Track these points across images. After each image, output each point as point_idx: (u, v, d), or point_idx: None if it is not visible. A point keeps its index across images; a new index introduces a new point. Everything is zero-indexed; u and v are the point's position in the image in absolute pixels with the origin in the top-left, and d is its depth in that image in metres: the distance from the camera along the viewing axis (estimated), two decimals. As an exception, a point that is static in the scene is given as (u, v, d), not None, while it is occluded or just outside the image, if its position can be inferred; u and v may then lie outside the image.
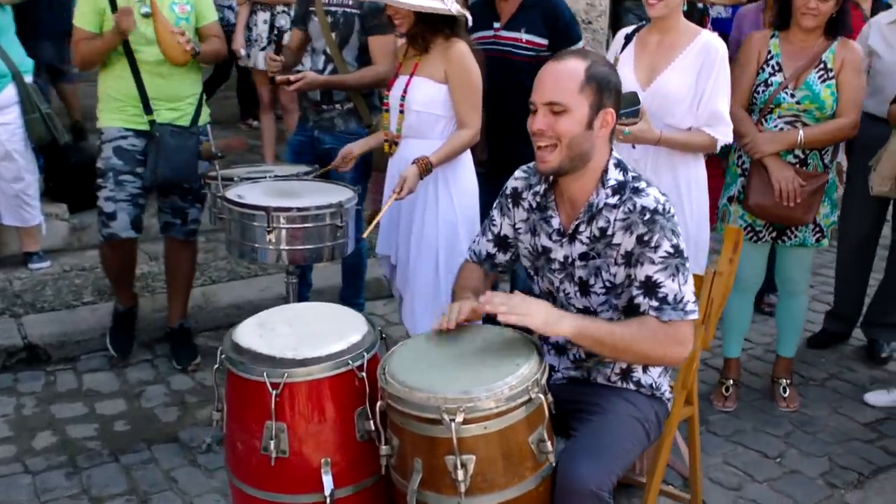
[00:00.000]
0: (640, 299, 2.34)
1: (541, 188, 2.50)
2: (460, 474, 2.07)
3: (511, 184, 2.63)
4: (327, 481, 2.26)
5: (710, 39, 3.35)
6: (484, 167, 3.78)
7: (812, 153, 3.71)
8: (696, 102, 3.32)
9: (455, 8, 3.34)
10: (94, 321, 4.60)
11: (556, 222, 2.48)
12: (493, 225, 2.67)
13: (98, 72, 4.11)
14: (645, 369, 2.55)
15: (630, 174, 2.42)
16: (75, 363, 4.40)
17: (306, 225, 3.22)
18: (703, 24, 4.30)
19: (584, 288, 2.46)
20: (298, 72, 4.08)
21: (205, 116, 4.22)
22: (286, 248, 3.24)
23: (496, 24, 4.03)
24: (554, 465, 2.21)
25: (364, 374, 2.29)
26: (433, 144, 3.43)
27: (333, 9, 4.11)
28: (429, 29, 3.42)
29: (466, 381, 2.12)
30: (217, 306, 4.92)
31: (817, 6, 3.55)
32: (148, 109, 3.99)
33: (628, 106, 3.14)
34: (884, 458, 3.70)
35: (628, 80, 3.33)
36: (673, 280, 2.31)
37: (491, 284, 2.78)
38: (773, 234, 3.85)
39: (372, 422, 2.27)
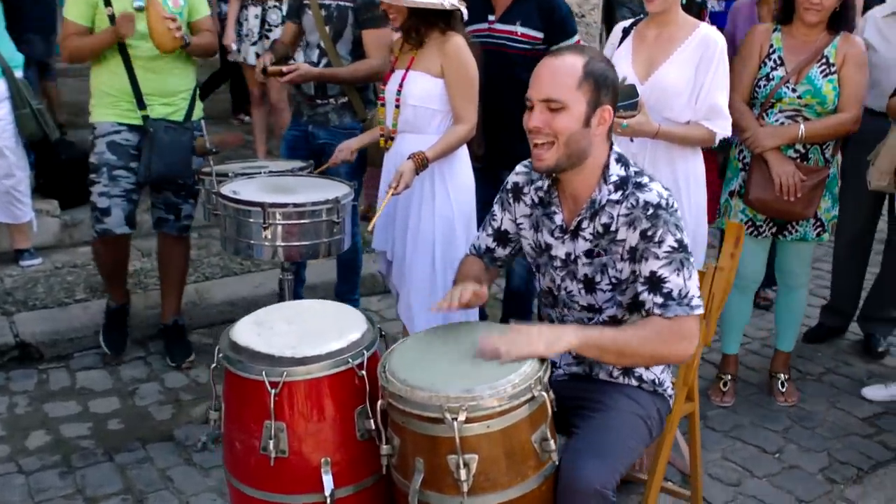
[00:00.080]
0: (644, 295, 2.31)
1: (543, 184, 2.48)
2: (463, 474, 2.04)
3: (512, 179, 2.60)
4: (327, 481, 2.23)
5: (708, 32, 3.33)
6: (481, 162, 3.75)
7: (813, 148, 3.70)
8: (695, 96, 3.29)
9: (448, 2, 3.30)
10: (87, 318, 4.56)
11: (558, 219, 2.45)
12: (494, 219, 2.65)
13: (90, 67, 4.06)
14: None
15: (632, 169, 2.39)
16: (68, 361, 4.37)
17: (302, 221, 3.19)
18: (701, 18, 4.28)
19: (590, 285, 2.44)
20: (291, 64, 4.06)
21: (198, 111, 4.18)
22: (282, 244, 3.21)
23: (491, 17, 4.00)
24: (557, 463, 2.19)
25: (364, 372, 2.26)
26: (429, 139, 3.39)
27: (327, 2, 4.07)
28: (423, 23, 3.39)
29: (469, 380, 2.09)
30: (211, 303, 4.88)
31: (820, 1, 3.53)
32: (141, 104, 3.95)
33: (626, 99, 3.12)
34: (883, 453, 3.69)
35: (627, 73, 3.31)
36: (678, 275, 2.28)
37: (493, 278, 2.75)
38: (774, 230, 3.83)
39: (372, 421, 2.24)
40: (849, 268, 4.66)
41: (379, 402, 2.19)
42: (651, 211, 2.29)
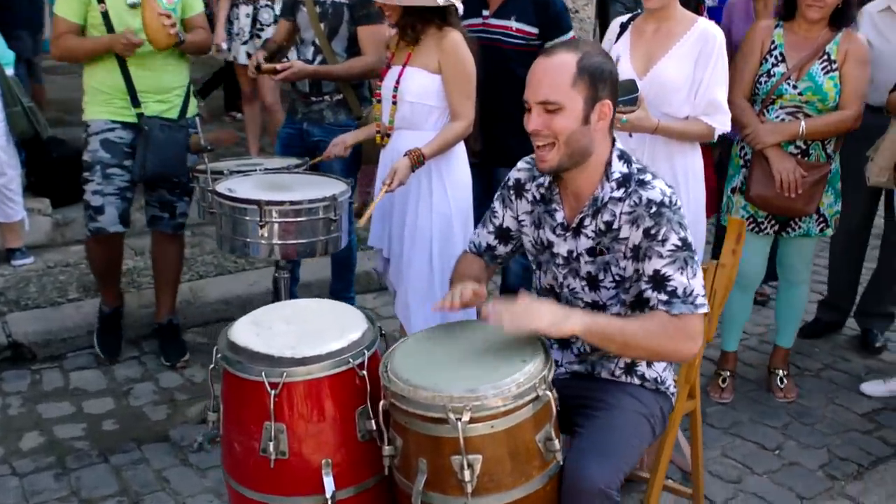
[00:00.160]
0: (649, 293, 2.29)
1: (545, 180, 2.45)
2: (467, 475, 2.02)
3: (514, 175, 2.57)
4: (328, 482, 2.20)
5: (707, 27, 3.30)
6: (478, 158, 3.72)
7: (814, 144, 3.68)
8: (694, 91, 3.27)
9: None
10: (80, 318, 4.52)
11: (559, 216, 2.42)
12: (495, 216, 2.61)
13: (82, 64, 4.01)
14: (649, 363, 2.51)
15: (635, 165, 2.36)
16: (61, 361, 4.32)
17: (299, 219, 3.16)
18: (699, 13, 4.26)
19: (594, 283, 2.41)
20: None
21: (192, 108, 4.15)
22: (279, 242, 3.18)
23: (485, 12, 3.97)
24: (561, 463, 2.16)
25: (365, 372, 2.23)
26: (426, 136, 3.37)
27: (322, -1, 4.04)
28: (418, 20, 3.36)
29: (472, 379, 2.07)
30: (205, 301, 4.84)
31: None
32: (136, 102, 3.91)
33: (626, 94, 3.09)
34: (882, 449, 3.68)
35: (625, 68, 3.29)
36: (682, 273, 2.26)
37: (490, 276, 2.72)
38: (776, 227, 3.81)
39: (374, 421, 2.21)
40: (845, 263, 4.65)
41: (381, 403, 2.16)
42: (654, 209, 2.26)
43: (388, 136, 3.53)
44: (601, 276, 2.40)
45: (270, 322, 2.37)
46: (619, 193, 2.32)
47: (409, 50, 3.43)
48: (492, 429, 2.03)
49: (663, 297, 2.26)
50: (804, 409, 3.99)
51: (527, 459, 2.09)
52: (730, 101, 3.37)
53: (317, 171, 3.78)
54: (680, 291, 2.25)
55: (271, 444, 2.18)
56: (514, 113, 3.87)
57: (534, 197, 2.50)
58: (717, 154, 4.56)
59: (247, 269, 5.23)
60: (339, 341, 2.25)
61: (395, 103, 3.45)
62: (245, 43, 6.27)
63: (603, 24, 8.00)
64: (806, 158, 3.67)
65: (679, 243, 2.26)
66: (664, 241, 2.25)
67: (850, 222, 4.41)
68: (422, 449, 2.10)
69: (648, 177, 2.33)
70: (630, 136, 3.28)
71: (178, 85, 4.06)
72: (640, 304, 2.35)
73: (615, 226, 2.32)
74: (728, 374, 4.11)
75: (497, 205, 2.61)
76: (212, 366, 2.31)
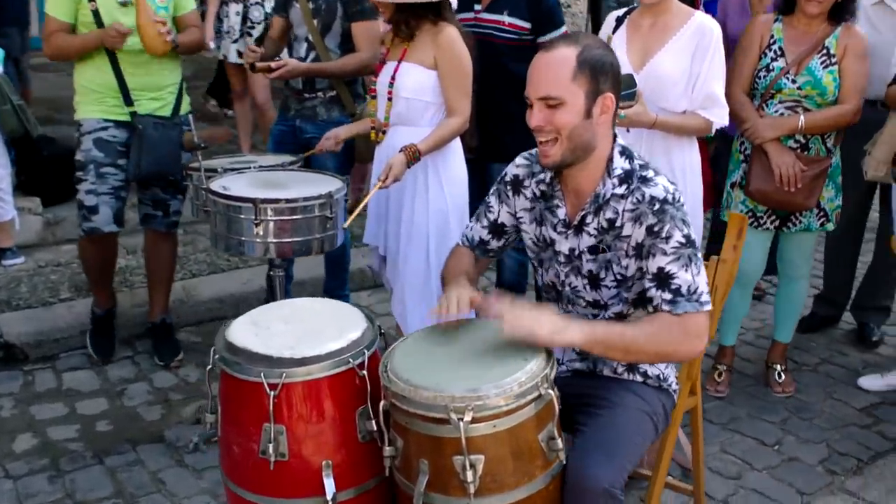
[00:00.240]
0: (652, 292, 2.26)
1: (546, 176, 2.42)
2: (469, 475, 1.99)
3: (512, 171, 2.54)
4: (329, 484, 2.18)
5: (704, 21, 3.28)
6: (474, 153, 3.69)
7: (813, 138, 3.67)
8: (691, 85, 3.26)
9: None
10: (72, 318, 4.48)
11: (561, 213, 2.39)
12: (490, 211, 2.58)
13: (73, 63, 3.97)
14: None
15: (636, 162, 2.34)
16: (54, 362, 4.28)
17: (295, 217, 3.12)
18: (695, 6, 4.24)
19: (595, 281, 2.39)
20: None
21: (185, 106, 4.11)
22: (274, 240, 3.15)
23: (477, 7, 3.95)
24: (564, 462, 2.14)
25: (365, 372, 2.21)
26: (422, 132, 3.34)
27: (315, -5, 4.00)
28: (412, 16, 3.34)
29: (474, 379, 2.04)
30: (198, 300, 4.81)
31: None
32: (128, 100, 3.88)
33: (624, 89, 3.05)
34: (882, 444, 3.67)
35: (621, 63, 3.25)
36: (686, 270, 2.23)
37: (482, 270, 2.70)
38: (776, 223, 3.80)
39: (374, 422, 2.19)
40: (841, 257, 4.64)
41: (382, 403, 2.13)
42: (657, 206, 2.24)
43: (384, 132, 3.50)
44: (602, 275, 2.37)
45: (269, 322, 2.34)
46: (620, 190, 2.29)
47: (405, 45, 3.41)
48: (494, 428, 2.01)
49: (667, 295, 2.24)
50: (802, 404, 3.98)
51: (529, 459, 2.07)
52: (729, 96, 3.35)
53: (311, 169, 3.74)
54: (684, 289, 2.23)
55: (271, 446, 2.15)
56: (506, 108, 3.88)
57: (534, 193, 2.47)
58: (713, 148, 4.54)
59: (240, 267, 5.19)
60: (339, 341, 2.23)
61: (390, 99, 3.42)
62: (235, 41, 6.21)
63: (595, 19, 8.00)
64: (806, 153, 3.66)
65: (683, 240, 2.24)
66: (668, 238, 2.23)
67: (846, 216, 4.40)
68: (423, 449, 2.07)
69: (651, 173, 2.30)
70: (628, 131, 3.26)
71: (170, 82, 4.03)
72: (642, 303, 2.33)
73: (618, 223, 2.29)
74: (725, 367, 4.11)
75: (493, 199, 2.58)
76: (209, 366, 2.29)
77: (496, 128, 3.92)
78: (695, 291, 2.23)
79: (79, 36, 3.85)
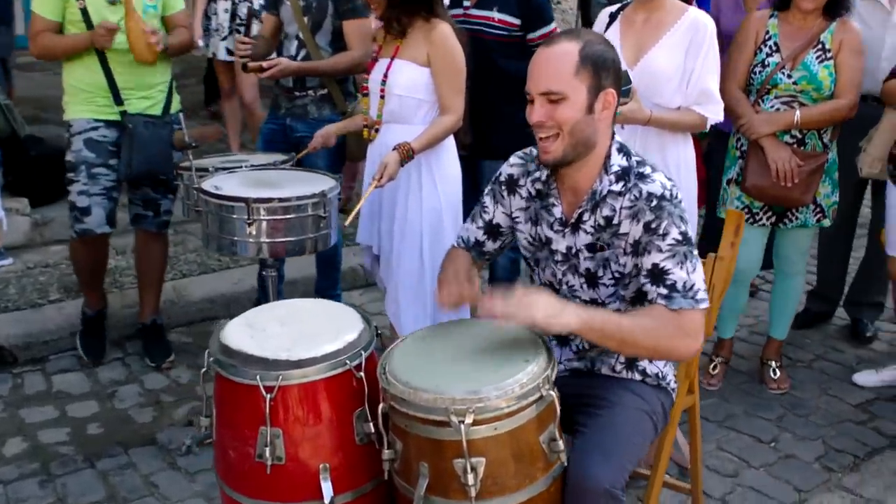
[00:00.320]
0: (647, 287, 2.24)
1: (542, 175, 2.39)
2: (470, 478, 1.97)
3: (506, 170, 2.51)
4: (326, 488, 2.14)
5: (698, 16, 3.27)
6: (468, 151, 3.66)
7: (810, 133, 3.65)
8: (686, 81, 3.24)
9: None
10: (62, 320, 4.43)
11: (557, 211, 2.37)
12: (485, 212, 2.55)
13: (61, 62, 3.92)
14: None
15: (634, 158, 2.31)
16: (43, 364, 4.23)
17: (288, 216, 3.08)
18: (688, 1, 4.23)
19: (592, 280, 2.36)
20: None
21: (176, 104, 4.08)
22: (267, 240, 3.11)
23: (466, 3, 3.92)
24: (565, 464, 2.11)
25: (362, 374, 2.17)
26: (415, 130, 3.31)
27: (306, -9, 3.96)
28: (404, 12, 3.30)
29: (474, 380, 2.01)
30: (189, 300, 4.77)
31: None
32: (118, 100, 3.83)
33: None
34: (878, 440, 3.67)
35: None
36: (681, 268, 2.21)
37: (479, 271, 2.65)
38: (773, 219, 3.79)
39: (372, 424, 2.16)
40: (833, 253, 4.64)
41: (380, 406, 2.10)
42: (655, 203, 2.21)
43: (376, 130, 3.46)
44: (600, 273, 2.35)
45: (264, 324, 2.30)
46: (617, 187, 2.27)
47: (397, 43, 3.37)
48: (495, 431, 1.98)
49: (663, 290, 2.21)
50: (798, 401, 3.97)
51: (531, 461, 2.04)
52: (724, 92, 3.33)
53: (303, 168, 3.71)
54: (679, 286, 2.20)
55: (267, 450, 2.11)
56: (495, 104, 3.86)
57: (529, 193, 2.45)
58: (706, 145, 4.53)
59: (231, 267, 5.15)
60: (335, 343, 2.19)
61: (382, 97, 3.39)
62: (224, 38, 6.16)
63: (585, 16, 7.99)
64: (802, 148, 3.65)
65: (679, 237, 2.21)
66: (665, 235, 2.20)
67: (838, 212, 4.39)
68: (423, 452, 2.04)
69: (648, 170, 2.28)
70: (622, 127, 3.24)
71: (160, 81, 3.99)
72: (639, 301, 2.31)
73: (615, 221, 2.27)
74: (721, 360, 4.11)
75: (487, 200, 2.55)
76: (203, 369, 2.25)
77: (486, 125, 3.89)
78: (690, 288, 2.20)
79: (68, 37, 3.81)
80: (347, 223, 3.13)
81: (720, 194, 3.91)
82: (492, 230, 2.56)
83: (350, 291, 5.07)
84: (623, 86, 3.01)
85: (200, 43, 6.27)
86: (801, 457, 3.54)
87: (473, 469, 1.97)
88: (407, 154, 3.22)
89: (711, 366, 4.08)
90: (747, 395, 4.01)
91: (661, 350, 2.26)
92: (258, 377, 2.10)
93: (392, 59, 3.35)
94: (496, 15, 3.85)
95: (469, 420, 1.93)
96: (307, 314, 2.39)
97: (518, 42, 3.90)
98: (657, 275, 2.22)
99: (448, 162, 3.46)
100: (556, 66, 2.19)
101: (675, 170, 3.32)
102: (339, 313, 2.39)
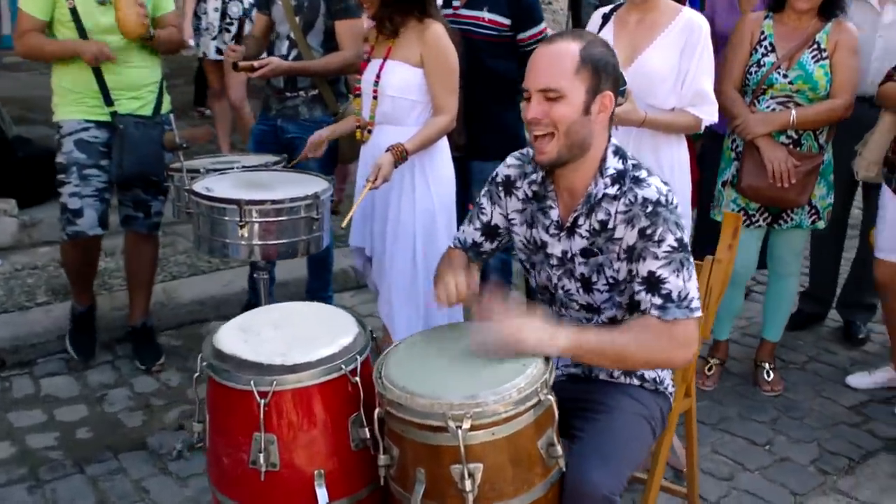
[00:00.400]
0: (641, 296, 2.22)
1: (538, 177, 2.36)
2: (468, 484, 1.94)
3: (503, 171, 2.48)
4: (321, 494, 2.12)
5: (692, 17, 3.25)
6: (461, 152, 3.64)
7: (806, 134, 3.64)
8: (680, 82, 3.22)
9: None
10: (50, 322, 4.38)
11: (553, 214, 2.34)
12: (482, 213, 2.53)
13: (50, 63, 3.88)
14: (647, 364, 2.44)
15: (630, 162, 2.29)
16: (31, 367, 4.18)
17: (280, 218, 3.04)
18: (681, 1, 4.22)
19: (587, 285, 2.34)
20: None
21: (166, 104, 4.04)
22: (259, 243, 3.06)
23: (456, 2, 3.89)
24: (563, 469, 2.09)
25: (358, 378, 2.15)
26: (408, 131, 3.28)
27: (298, -9, 3.93)
28: (397, 11, 3.28)
29: (472, 385, 1.99)
30: (179, 303, 4.72)
31: None
32: (108, 101, 3.79)
33: (615, 86, 3.03)
34: (872, 443, 3.66)
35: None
36: (677, 275, 2.19)
37: (476, 271, 2.62)
38: (769, 220, 3.77)
39: (367, 429, 2.14)
40: (825, 254, 4.64)
41: (376, 411, 2.08)
42: (650, 208, 2.19)
43: (369, 131, 3.44)
44: (594, 279, 2.32)
45: (258, 328, 2.27)
46: (612, 190, 2.24)
47: (390, 43, 3.35)
48: (493, 436, 1.96)
49: (657, 300, 2.19)
50: (791, 403, 3.96)
51: (528, 466, 2.02)
52: (720, 93, 3.32)
53: (295, 169, 3.67)
54: (674, 295, 2.19)
55: (261, 456, 2.09)
56: (485, 104, 3.83)
57: (525, 195, 2.42)
58: (700, 146, 4.51)
59: (221, 268, 5.11)
60: (330, 347, 2.17)
61: (375, 98, 3.36)
62: (214, 38, 6.13)
63: (576, 16, 7.97)
64: (798, 149, 3.64)
65: (675, 244, 2.19)
66: (660, 241, 2.18)
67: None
68: (420, 458, 2.01)
69: (644, 173, 2.26)
70: (616, 128, 3.21)
71: (150, 81, 3.95)
72: (636, 307, 2.28)
73: (610, 225, 2.24)
74: (717, 362, 4.11)
75: (484, 201, 2.53)
76: (196, 374, 2.22)
77: (475, 125, 3.87)
78: (685, 297, 2.19)
79: (56, 42, 3.76)
80: (343, 225, 3.10)
81: (715, 196, 3.89)
82: (489, 231, 2.53)
83: (341, 293, 5.04)
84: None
85: (191, 42, 6.23)
86: (795, 460, 3.52)
87: (471, 475, 1.95)
88: (401, 155, 3.19)
89: (707, 367, 4.07)
90: (741, 398, 4.00)
91: (655, 362, 2.28)
92: (252, 382, 2.08)
93: (384, 59, 3.32)
94: (486, 15, 3.83)
95: (466, 425, 1.91)
96: (301, 318, 2.36)
97: (507, 42, 3.88)
98: (653, 283, 2.20)
99: (441, 163, 3.43)
100: (556, 63, 2.17)
101: (668, 171, 3.30)
102: (333, 317, 2.37)
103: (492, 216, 2.51)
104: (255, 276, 3.49)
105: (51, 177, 3.92)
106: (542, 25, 3.96)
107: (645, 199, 2.20)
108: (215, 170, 3.48)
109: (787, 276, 4.00)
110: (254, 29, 4.19)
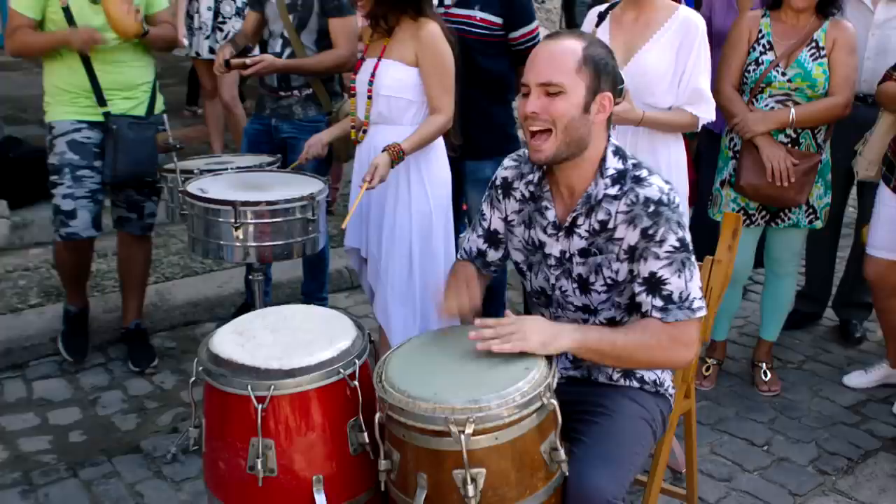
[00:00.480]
0: (642, 297, 2.20)
1: (534, 177, 2.34)
2: (470, 490, 1.91)
3: (501, 174, 2.45)
4: (320, 500, 2.09)
5: (688, 15, 3.23)
6: (457, 152, 3.61)
7: (804, 133, 3.62)
8: (677, 80, 3.20)
9: None
10: (42, 324, 4.34)
11: (551, 214, 2.31)
12: (483, 220, 2.50)
13: (41, 62, 3.84)
14: (648, 366, 2.42)
15: (630, 161, 2.27)
16: (24, 370, 4.14)
17: (276, 220, 3.02)
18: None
19: (584, 285, 2.31)
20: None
21: (160, 104, 4.01)
22: (254, 244, 3.04)
23: (447, 1, 3.85)
24: (566, 474, 2.06)
25: (357, 382, 2.12)
26: (404, 131, 3.26)
27: (291, -11, 3.89)
28: (391, 10, 3.25)
29: (474, 389, 1.95)
30: (172, 304, 4.69)
31: None
32: (101, 101, 3.75)
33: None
34: (871, 442, 3.64)
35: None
36: (679, 276, 2.17)
37: (484, 285, 2.58)
38: (767, 218, 3.76)
39: (367, 434, 2.11)
40: (820, 253, 4.62)
41: (377, 415, 2.04)
42: (653, 208, 2.17)
43: (364, 131, 3.41)
44: (592, 279, 2.30)
45: (254, 331, 2.23)
46: (613, 191, 2.22)
47: (384, 42, 3.32)
48: (496, 440, 1.93)
49: (658, 302, 2.18)
50: (789, 403, 3.95)
51: (532, 471, 1.99)
52: (718, 91, 3.30)
53: (290, 170, 3.64)
54: (676, 296, 2.17)
55: (259, 461, 2.05)
56: (476, 103, 3.80)
57: (522, 195, 2.39)
58: (696, 146, 4.50)
59: (215, 269, 5.07)
60: (328, 351, 2.14)
61: (370, 98, 3.33)
62: (208, 37, 6.08)
63: (569, 16, 7.95)
64: (797, 147, 3.61)
65: (677, 244, 2.17)
66: (662, 241, 2.16)
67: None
68: (421, 463, 1.98)
69: (645, 173, 2.23)
70: (614, 128, 3.19)
71: (144, 81, 3.92)
72: (635, 307, 2.26)
73: (610, 225, 2.22)
74: (714, 362, 4.09)
75: (485, 207, 2.50)
76: (192, 379, 2.18)
77: (467, 124, 3.83)
78: (686, 298, 2.17)
79: (46, 34, 3.72)
80: (344, 225, 3.07)
81: (712, 196, 3.87)
82: (491, 238, 2.50)
83: (336, 294, 5.00)
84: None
85: (185, 42, 6.19)
86: (794, 460, 3.51)
87: (473, 480, 1.92)
88: (397, 155, 3.16)
89: (704, 367, 4.05)
90: (739, 398, 3.98)
91: (656, 363, 2.28)
92: (249, 387, 2.04)
93: (379, 59, 3.29)
94: (478, 14, 3.79)
95: (469, 430, 1.88)
96: (298, 321, 2.32)
97: (499, 41, 3.84)
98: (654, 284, 2.18)
99: (438, 164, 3.40)
100: (559, 59, 2.15)
101: (665, 171, 3.27)
102: (331, 320, 2.33)
103: (491, 221, 2.49)
104: (250, 277, 3.45)
105: (43, 178, 3.89)
106: (535, 24, 3.93)
107: (647, 199, 2.18)
108: (209, 171, 3.45)
109: (784, 275, 3.99)
110: (244, 24, 4.15)
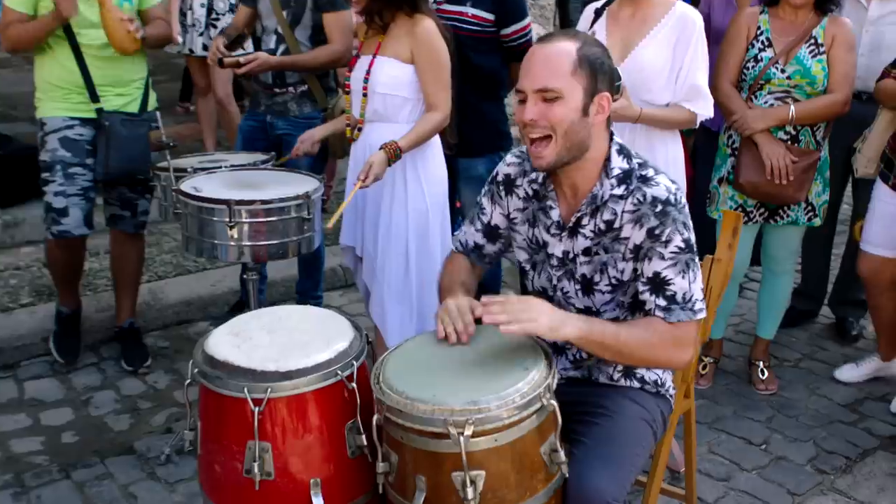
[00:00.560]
0: (646, 296, 2.18)
1: (538, 176, 2.31)
2: (470, 492, 1.88)
3: (503, 170, 2.42)
4: (318, 503, 2.06)
5: (685, 11, 3.21)
6: (453, 150, 3.58)
7: (803, 130, 3.61)
8: (674, 76, 3.18)
9: None
10: (34, 324, 4.31)
11: (555, 214, 2.29)
12: (483, 214, 2.47)
13: (32, 58, 3.80)
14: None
15: (635, 161, 2.24)
16: (15, 370, 4.10)
17: (271, 219, 2.99)
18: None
19: (588, 286, 2.28)
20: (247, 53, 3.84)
21: (153, 101, 3.97)
22: (249, 244, 3.01)
23: None
24: (566, 475, 2.04)
25: (354, 384, 2.09)
26: (400, 129, 3.23)
27: (285, -16, 3.86)
28: (386, 6, 3.23)
29: (473, 390, 1.93)
30: (165, 303, 4.65)
31: None
32: (94, 97, 3.72)
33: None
34: (869, 441, 3.63)
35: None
36: (683, 277, 2.15)
37: (478, 277, 2.57)
38: (765, 215, 3.74)
39: (364, 436, 2.08)
40: (815, 250, 4.61)
41: (375, 417, 2.02)
42: (660, 208, 2.14)
43: (359, 129, 3.38)
44: (597, 279, 2.27)
45: (250, 333, 2.20)
46: (619, 191, 2.19)
47: (379, 39, 3.29)
48: (495, 442, 1.90)
49: (662, 302, 2.16)
50: (786, 401, 3.93)
51: (531, 473, 1.97)
52: (716, 88, 3.28)
53: (285, 168, 3.61)
54: (679, 297, 2.15)
55: (256, 465, 2.02)
56: (468, 100, 3.77)
57: (526, 193, 2.37)
58: (692, 143, 4.47)
59: (208, 268, 5.03)
60: (326, 352, 2.10)
61: (365, 95, 3.30)
62: (201, 34, 6.03)
63: (563, 12, 7.91)
64: (796, 145, 3.60)
65: (682, 245, 2.15)
66: (667, 242, 2.14)
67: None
68: (420, 465, 1.96)
69: (651, 172, 2.21)
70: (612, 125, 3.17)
71: (137, 77, 3.88)
72: (638, 306, 2.24)
73: (616, 225, 2.19)
74: (711, 361, 4.08)
75: (485, 201, 2.47)
76: (188, 381, 2.15)
77: (459, 121, 3.81)
78: (689, 299, 2.15)
79: (34, 21, 3.67)
80: (330, 225, 3.04)
81: (710, 193, 3.85)
82: (490, 232, 2.48)
83: (330, 292, 4.98)
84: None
85: (179, 39, 6.14)
86: (792, 459, 3.50)
87: (473, 482, 1.89)
88: (394, 153, 3.14)
89: (701, 366, 4.04)
90: (736, 396, 3.97)
91: (655, 361, 2.25)
92: (246, 389, 2.01)
93: (374, 56, 3.26)
94: (470, 10, 3.77)
95: (468, 432, 1.85)
96: (295, 322, 2.29)
97: (491, 38, 3.82)
98: (658, 284, 2.16)
99: (434, 162, 3.38)
100: (553, 63, 2.11)
101: (663, 168, 3.21)
102: (327, 321, 2.30)
103: (492, 216, 2.46)
104: (244, 276, 3.42)
105: (34, 175, 3.85)
106: (527, 21, 3.91)
107: (654, 199, 2.16)
108: (203, 169, 3.41)
109: (781, 273, 3.98)
110: (235, 18, 4.11)
